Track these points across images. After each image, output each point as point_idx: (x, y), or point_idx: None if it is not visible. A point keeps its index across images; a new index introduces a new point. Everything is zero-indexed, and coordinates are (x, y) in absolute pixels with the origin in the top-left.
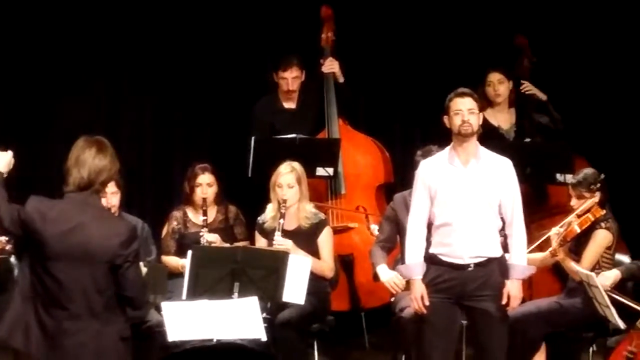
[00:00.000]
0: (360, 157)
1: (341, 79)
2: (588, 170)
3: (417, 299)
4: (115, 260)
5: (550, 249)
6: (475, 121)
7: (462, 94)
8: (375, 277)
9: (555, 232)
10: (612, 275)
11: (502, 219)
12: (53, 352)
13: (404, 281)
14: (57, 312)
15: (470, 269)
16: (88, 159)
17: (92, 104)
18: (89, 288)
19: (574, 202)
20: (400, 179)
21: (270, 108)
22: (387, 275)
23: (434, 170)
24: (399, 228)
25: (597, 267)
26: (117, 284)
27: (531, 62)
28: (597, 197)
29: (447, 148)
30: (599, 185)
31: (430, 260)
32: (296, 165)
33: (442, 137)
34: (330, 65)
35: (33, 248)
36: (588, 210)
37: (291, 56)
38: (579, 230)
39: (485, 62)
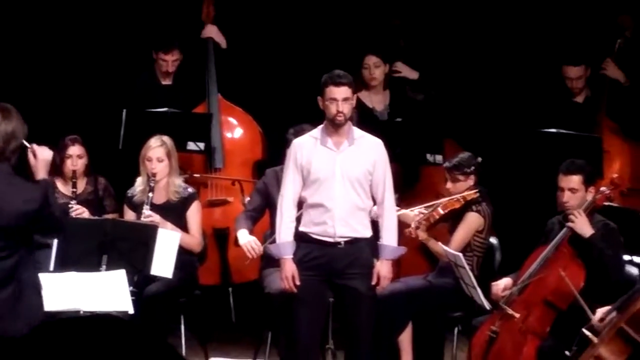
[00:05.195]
0: (239, 132)
1: (223, 45)
2: (464, 155)
3: (288, 278)
4: (30, 225)
5: (411, 228)
6: (348, 110)
7: (338, 83)
8: (236, 240)
9: (417, 212)
10: (503, 282)
11: (374, 199)
12: None
13: (261, 247)
14: None
15: (340, 246)
16: None
17: None
18: (3, 253)
19: (449, 185)
20: (270, 156)
21: (148, 84)
22: (245, 238)
23: (306, 151)
24: (269, 201)
25: (468, 250)
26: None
27: (404, 43)
28: (471, 180)
29: (320, 127)
30: (473, 168)
31: (300, 238)
32: (166, 139)
33: (316, 117)
34: (209, 30)
35: None
36: (461, 194)
37: (173, 39)
38: (442, 212)
39: (363, 45)
